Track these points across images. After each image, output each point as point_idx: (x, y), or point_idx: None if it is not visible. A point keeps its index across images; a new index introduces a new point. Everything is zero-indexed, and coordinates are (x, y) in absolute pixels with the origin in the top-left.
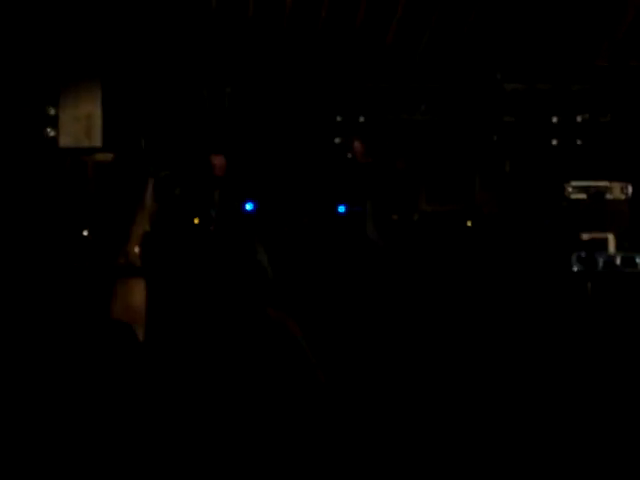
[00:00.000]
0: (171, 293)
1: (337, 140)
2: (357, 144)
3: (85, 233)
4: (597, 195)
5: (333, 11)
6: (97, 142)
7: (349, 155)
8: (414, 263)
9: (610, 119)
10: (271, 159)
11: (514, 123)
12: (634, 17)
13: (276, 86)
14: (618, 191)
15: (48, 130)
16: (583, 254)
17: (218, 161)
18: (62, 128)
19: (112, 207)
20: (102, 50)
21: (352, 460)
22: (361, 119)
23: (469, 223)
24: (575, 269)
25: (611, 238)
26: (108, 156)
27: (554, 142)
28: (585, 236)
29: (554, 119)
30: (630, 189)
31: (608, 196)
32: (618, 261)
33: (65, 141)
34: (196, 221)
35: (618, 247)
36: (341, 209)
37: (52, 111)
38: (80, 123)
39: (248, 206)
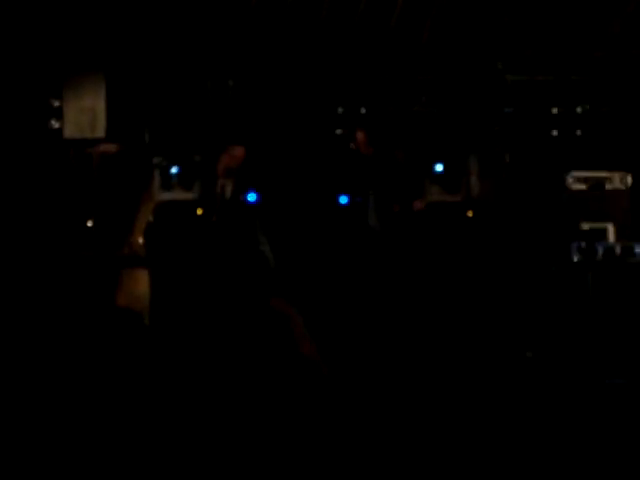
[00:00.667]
0: (175, 283)
1: (339, 131)
2: (360, 134)
3: (89, 224)
4: (597, 185)
5: (335, 3)
6: (101, 133)
7: (352, 146)
8: (415, 253)
9: (610, 110)
10: (273, 151)
11: (515, 114)
12: (634, 8)
13: (278, 78)
14: (618, 181)
15: (52, 122)
16: (583, 244)
17: (238, 152)
18: (67, 120)
19: (116, 198)
20: (105, 43)
21: (351, 451)
22: (362, 111)
23: (470, 213)
24: (575, 259)
25: (611, 228)
26: (112, 147)
27: (554, 133)
28: (585, 226)
29: (554, 110)
30: (630, 179)
31: (608, 186)
32: (618, 251)
33: (69, 132)
34: (199, 212)
35: (618, 237)
36: (343, 200)
37: (56, 103)
38: (84, 115)
39: (251, 197)
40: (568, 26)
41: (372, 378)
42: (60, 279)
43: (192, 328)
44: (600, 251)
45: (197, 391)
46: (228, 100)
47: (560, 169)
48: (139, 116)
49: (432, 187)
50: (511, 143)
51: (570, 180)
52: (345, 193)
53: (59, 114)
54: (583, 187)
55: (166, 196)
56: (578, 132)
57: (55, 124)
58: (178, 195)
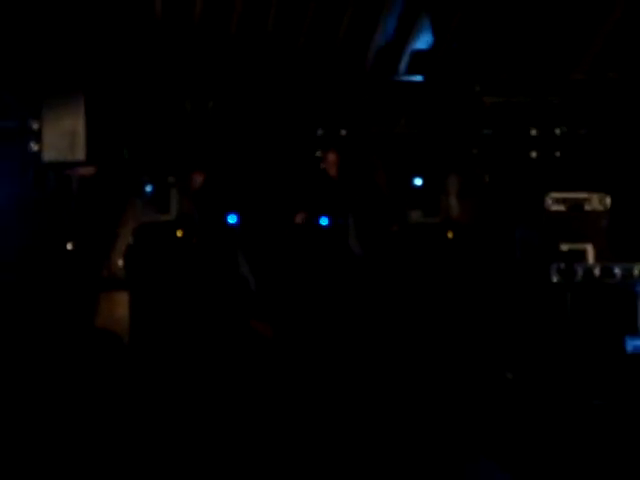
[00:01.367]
0: (155, 305)
1: (318, 153)
2: (332, 156)
3: (69, 246)
4: (576, 206)
5: (315, 27)
6: (81, 156)
7: (322, 166)
8: (396, 274)
9: (588, 131)
10: (253, 172)
11: (493, 136)
12: (611, 30)
13: (258, 100)
14: (597, 202)
15: (31, 144)
16: (562, 265)
17: (197, 176)
18: (46, 142)
19: (95, 221)
20: (85, 64)
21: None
22: (342, 132)
23: (450, 234)
24: (554, 280)
25: (590, 249)
26: (91, 170)
27: (533, 154)
28: (564, 247)
29: (533, 132)
30: (609, 200)
31: (587, 207)
32: (597, 272)
33: (49, 155)
34: (179, 234)
35: (597, 258)
36: (324, 221)
37: (35, 125)
38: (64, 137)
39: (231, 219)
40: (545, 48)
41: (353, 399)
42: (40, 302)
43: (172, 350)
44: (579, 272)
45: (176, 412)
46: (208, 122)
47: (539, 190)
48: (119, 138)
49: (411, 210)
50: (490, 164)
51: (549, 201)
52: (326, 215)
53: (38, 137)
54: (562, 208)
55: (145, 218)
56: (557, 153)
57: (34, 147)
58: (156, 217)
